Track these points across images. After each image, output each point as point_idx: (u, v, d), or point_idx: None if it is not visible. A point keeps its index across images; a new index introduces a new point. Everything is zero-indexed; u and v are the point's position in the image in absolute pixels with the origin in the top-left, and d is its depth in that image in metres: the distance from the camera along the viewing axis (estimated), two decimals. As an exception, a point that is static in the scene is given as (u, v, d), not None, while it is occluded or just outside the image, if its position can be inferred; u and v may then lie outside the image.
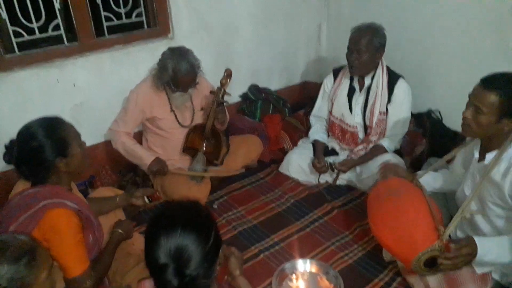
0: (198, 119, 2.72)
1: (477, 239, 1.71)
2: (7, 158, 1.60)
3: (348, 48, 2.57)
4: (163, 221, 1.16)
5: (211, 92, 2.61)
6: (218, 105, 2.56)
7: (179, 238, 1.10)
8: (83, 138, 1.71)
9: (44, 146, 1.55)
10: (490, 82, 1.69)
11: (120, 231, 1.83)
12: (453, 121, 2.72)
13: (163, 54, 2.45)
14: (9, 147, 1.60)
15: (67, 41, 2.59)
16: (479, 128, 1.74)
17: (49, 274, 1.26)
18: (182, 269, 1.09)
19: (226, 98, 2.59)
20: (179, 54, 2.40)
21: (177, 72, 2.38)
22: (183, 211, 1.20)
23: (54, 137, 1.58)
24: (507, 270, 1.83)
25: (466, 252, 1.69)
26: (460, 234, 2.01)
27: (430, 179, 2.18)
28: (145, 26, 2.87)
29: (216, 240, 1.17)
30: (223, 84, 2.55)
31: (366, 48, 2.49)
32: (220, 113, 2.59)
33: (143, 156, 2.57)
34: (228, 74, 2.55)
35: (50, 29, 2.52)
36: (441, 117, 2.94)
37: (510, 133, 1.71)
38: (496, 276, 1.84)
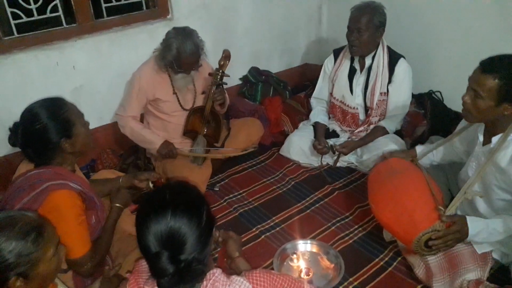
0: (199, 102, 2.71)
1: (469, 219, 1.73)
2: (12, 140, 1.61)
3: (348, 27, 2.55)
4: (152, 206, 1.10)
5: (209, 74, 2.59)
6: (216, 86, 2.55)
7: (170, 222, 1.05)
8: (83, 121, 1.71)
9: (49, 127, 1.56)
10: (488, 66, 1.66)
11: (117, 205, 1.83)
12: (454, 102, 2.70)
13: (168, 33, 2.41)
14: (13, 129, 1.60)
15: (66, 23, 2.57)
16: (478, 113, 1.72)
17: (56, 252, 1.28)
18: (176, 255, 1.05)
19: (225, 79, 2.58)
20: (184, 34, 2.36)
21: (181, 52, 2.35)
22: (171, 193, 1.13)
23: (58, 118, 1.58)
24: (507, 250, 1.84)
25: (455, 230, 1.72)
26: (459, 214, 2.01)
27: (429, 154, 2.18)
28: (144, 7, 2.85)
29: (208, 219, 1.13)
30: (221, 66, 2.53)
31: (366, 27, 2.47)
32: (219, 95, 2.57)
33: (153, 140, 2.57)
34: (226, 55, 2.53)
35: (48, 11, 2.50)
36: (442, 98, 2.93)
37: None
38: (496, 256, 1.86)
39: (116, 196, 1.87)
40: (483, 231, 1.72)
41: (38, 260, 1.21)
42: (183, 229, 1.06)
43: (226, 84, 2.65)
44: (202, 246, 1.10)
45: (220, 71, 2.53)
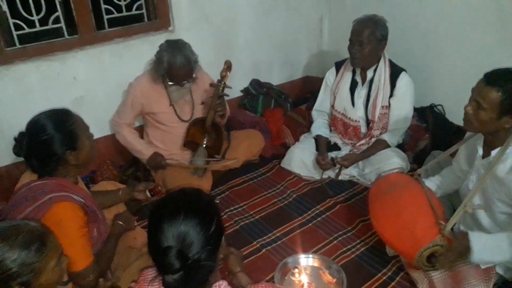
0: (198, 113, 2.71)
1: (471, 234, 1.70)
2: (17, 150, 1.61)
3: (350, 40, 2.55)
4: (167, 207, 1.16)
5: (211, 85, 2.59)
6: (218, 98, 2.55)
7: (182, 224, 1.10)
8: (86, 132, 1.70)
9: (54, 139, 1.56)
10: (492, 78, 1.66)
11: (120, 223, 1.84)
12: (456, 115, 2.68)
13: (160, 46, 2.46)
14: (18, 139, 1.60)
15: (68, 34, 2.58)
16: (479, 124, 1.72)
17: (58, 262, 1.28)
18: (184, 252, 1.10)
19: (226, 91, 2.57)
20: (175, 47, 2.40)
21: (172, 65, 2.38)
22: (186, 197, 1.21)
23: (64, 130, 1.58)
24: (511, 265, 1.82)
25: (456, 245, 1.70)
26: (463, 228, 2.00)
27: (433, 185, 2.16)
28: (146, 19, 2.86)
29: (218, 227, 1.17)
30: (223, 77, 2.53)
31: (368, 40, 2.47)
32: (220, 106, 2.57)
33: (142, 151, 2.60)
34: (228, 66, 2.53)
35: (50, 22, 2.50)
36: (444, 111, 2.93)
37: None
38: (500, 270, 1.83)
39: (119, 216, 1.90)
40: (486, 247, 1.69)
41: (41, 270, 1.21)
42: (193, 231, 1.11)
43: (228, 95, 2.65)
44: (209, 251, 1.14)
45: (223, 82, 2.53)
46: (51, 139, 1.56)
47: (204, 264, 1.12)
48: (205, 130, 2.62)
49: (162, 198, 1.23)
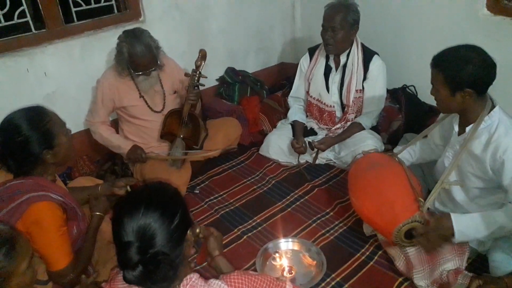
0: (170, 103, 2.67)
1: (453, 215, 1.75)
2: None
3: (323, 26, 2.56)
4: (128, 202, 1.17)
5: (185, 74, 2.57)
6: (194, 87, 2.53)
7: (142, 217, 1.10)
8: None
9: (30, 140, 1.53)
10: (435, 59, 1.76)
11: (97, 213, 1.81)
12: (428, 95, 2.72)
13: (119, 37, 2.40)
14: None
15: (35, 29, 2.51)
16: (443, 104, 1.81)
17: (29, 264, 1.26)
18: (145, 247, 1.09)
19: (202, 80, 2.56)
20: (133, 36, 2.34)
21: (132, 55, 2.33)
22: (148, 191, 1.20)
23: (40, 130, 1.55)
24: (485, 239, 1.88)
25: (435, 225, 1.75)
26: (438, 205, 2.06)
27: (407, 154, 2.22)
28: (115, 10, 2.80)
29: (183, 220, 1.16)
30: (197, 66, 2.50)
31: (340, 26, 2.49)
32: (194, 96, 2.53)
33: (120, 145, 2.57)
34: (202, 56, 2.51)
35: (16, 17, 2.43)
36: (416, 92, 2.98)
37: (484, 104, 1.75)
38: (473, 244, 1.90)
39: (95, 205, 1.85)
40: (468, 227, 1.73)
41: (11, 274, 1.19)
42: (153, 225, 1.10)
43: (204, 85, 2.63)
44: (172, 244, 1.13)
45: (198, 72, 2.51)
46: (27, 139, 1.53)
47: (164, 258, 1.10)
48: (181, 121, 2.61)
49: (126, 193, 1.23)
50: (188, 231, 1.20)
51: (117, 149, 2.60)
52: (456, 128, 1.88)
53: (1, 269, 1.16)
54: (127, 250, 1.08)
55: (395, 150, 2.27)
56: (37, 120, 1.56)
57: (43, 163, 1.59)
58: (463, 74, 1.67)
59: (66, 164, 1.79)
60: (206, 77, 2.57)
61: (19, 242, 1.23)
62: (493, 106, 1.75)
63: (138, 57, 2.34)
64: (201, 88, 2.62)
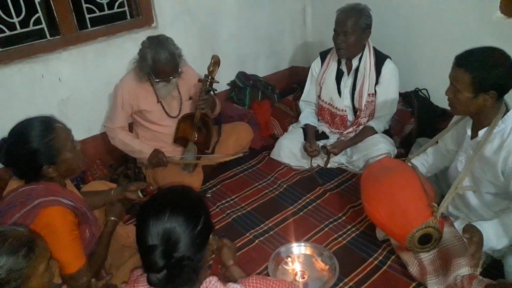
0: (186, 108, 2.70)
1: (478, 224, 1.72)
2: None
3: (335, 30, 2.56)
4: (153, 205, 1.17)
5: (199, 80, 2.59)
6: (206, 93, 2.55)
7: (167, 221, 1.10)
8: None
9: (33, 154, 1.54)
10: (460, 60, 1.72)
11: (112, 218, 1.83)
12: (441, 99, 2.71)
13: (142, 43, 2.42)
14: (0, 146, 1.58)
15: (50, 35, 2.55)
16: (461, 106, 1.77)
17: (47, 267, 1.28)
18: (170, 251, 1.09)
19: (214, 86, 2.57)
20: (157, 43, 2.36)
21: (156, 62, 2.35)
22: (173, 195, 1.21)
23: (43, 146, 1.55)
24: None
25: (475, 240, 1.67)
26: (451, 210, 2.04)
27: (420, 165, 2.18)
28: (128, 17, 2.84)
29: (206, 225, 1.17)
30: (210, 72, 2.52)
31: (352, 30, 2.48)
32: (204, 103, 2.54)
33: (142, 150, 2.57)
34: (215, 61, 2.53)
35: (31, 24, 2.47)
36: (428, 95, 2.96)
37: (499, 108, 1.73)
38: (488, 250, 1.87)
39: (111, 210, 1.88)
40: (490, 234, 1.71)
41: (30, 275, 1.21)
42: (179, 228, 1.10)
43: (216, 90, 2.65)
44: (196, 248, 1.13)
45: (210, 77, 2.52)
46: (29, 153, 1.54)
47: (189, 263, 1.11)
48: (194, 125, 2.63)
49: (151, 196, 1.23)
50: (210, 236, 1.22)
51: (138, 154, 2.60)
52: (469, 132, 1.86)
53: (20, 270, 1.18)
54: (152, 254, 1.09)
55: (409, 156, 2.26)
56: (43, 135, 1.56)
57: (44, 176, 1.60)
58: (493, 76, 1.64)
59: (75, 175, 1.80)
60: (218, 82, 2.59)
61: (38, 244, 1.26)
62: (507, 110, 1.73)
63: (162, 64, 2.35)
64: (213, 93, 2.63)
